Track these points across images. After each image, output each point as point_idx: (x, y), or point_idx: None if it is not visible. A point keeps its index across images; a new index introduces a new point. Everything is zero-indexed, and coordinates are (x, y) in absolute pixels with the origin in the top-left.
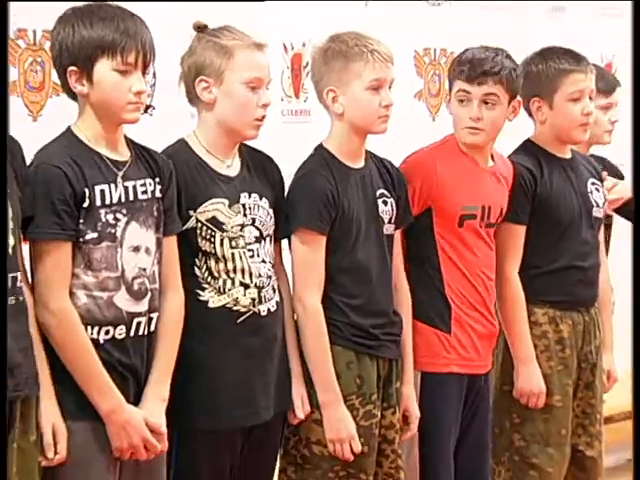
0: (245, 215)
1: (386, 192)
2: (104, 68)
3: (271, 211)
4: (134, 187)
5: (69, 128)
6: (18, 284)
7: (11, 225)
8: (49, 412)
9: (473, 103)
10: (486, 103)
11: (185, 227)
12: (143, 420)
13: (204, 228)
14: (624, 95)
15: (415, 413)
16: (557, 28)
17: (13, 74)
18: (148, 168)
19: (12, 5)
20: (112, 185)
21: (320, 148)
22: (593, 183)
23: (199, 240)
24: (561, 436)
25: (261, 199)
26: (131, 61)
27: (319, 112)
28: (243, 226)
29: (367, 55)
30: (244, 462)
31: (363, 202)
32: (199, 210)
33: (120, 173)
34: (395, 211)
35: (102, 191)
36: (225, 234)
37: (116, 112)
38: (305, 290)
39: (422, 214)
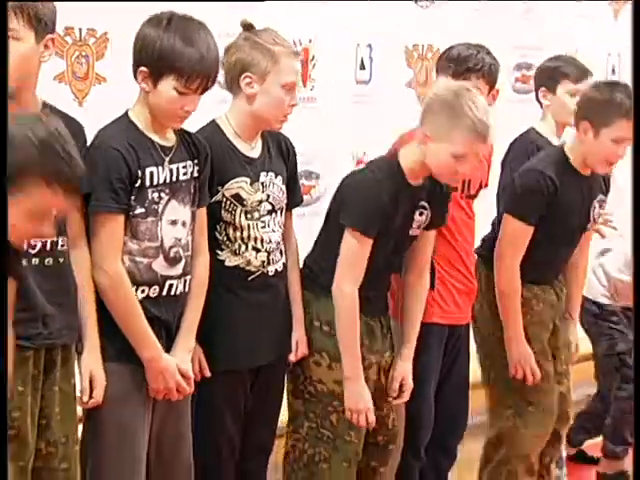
0: (263, 192)
1: (426, 204)
2: (168, 85)
3: (284, 187)
4: (177, 169)
5: (127, 113)
6: (59, 247)
7: None
8: (89, 361)
9: None
10: None
11: (213, 200)
12: (176, 367)
13: (228, 202)
14: None
15: (409, 384)
16: (529, 27)
17: (61, 65)
18: (189, 151)
19: (60, 5)
20: (160, 168)
21: (395, 161)
22: (599, 200)
23: (222, 212)
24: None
25: (276, 177)
26: (193, 87)
27: (324, 99)
28: (260, 202)
29: (471, 128)
30: (255, 400)
31: (404, 215)
32: (226, 187)
33: (167, 158)
34: (429, 219)
35: (151, 173)
36: (244, 208)
37: (163, 119)
38: (346, 280)
39: None
